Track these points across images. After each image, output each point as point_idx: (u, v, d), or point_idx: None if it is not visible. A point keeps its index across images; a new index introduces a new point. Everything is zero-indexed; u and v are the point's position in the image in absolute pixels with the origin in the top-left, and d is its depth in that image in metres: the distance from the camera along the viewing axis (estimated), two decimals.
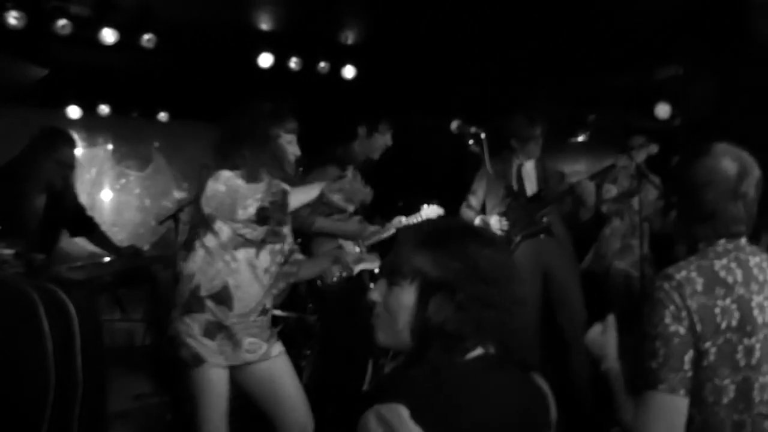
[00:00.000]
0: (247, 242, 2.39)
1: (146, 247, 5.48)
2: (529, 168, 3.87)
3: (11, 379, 1.97)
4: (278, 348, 2.56)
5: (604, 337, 1.71)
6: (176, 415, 3.74)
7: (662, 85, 4.76)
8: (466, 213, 3.85)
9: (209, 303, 2.36)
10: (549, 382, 1.34)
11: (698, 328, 1.50)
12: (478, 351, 1.24)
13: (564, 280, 3.83)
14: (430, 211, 3.61)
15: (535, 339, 3.72)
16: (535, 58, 4.69)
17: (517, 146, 3.84)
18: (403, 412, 1.11)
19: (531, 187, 3.84)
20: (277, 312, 3.73)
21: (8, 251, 2.49)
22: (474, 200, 3.87)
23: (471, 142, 3.34)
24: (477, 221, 3.63)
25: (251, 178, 2.34)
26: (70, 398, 2.00)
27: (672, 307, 1.51)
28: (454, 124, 3.37)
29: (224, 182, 2.31)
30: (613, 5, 3.89)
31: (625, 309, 4.18)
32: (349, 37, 4.97)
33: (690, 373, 1.50)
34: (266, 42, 4.87)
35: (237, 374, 2.47)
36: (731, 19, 3.80)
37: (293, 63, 5.03)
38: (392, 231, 3.62)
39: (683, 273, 1.54)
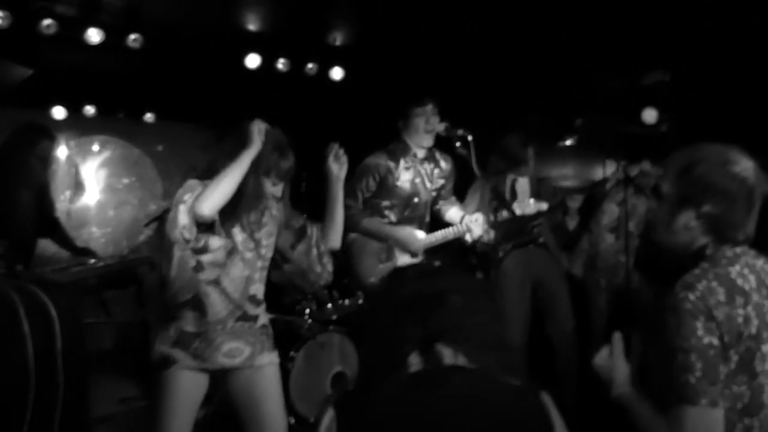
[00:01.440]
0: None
1: (126, 251, 5.42)
2: (523, 183, 3.88)
3: None
4: (267, 358, 2.48)
5: (611, 360, 1.67)
6: None
7: (649, 90, 4.78)
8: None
9: (185, 310, 2.33)
10: (536, 390, 1.33)
11: (726, 339, 1.47)
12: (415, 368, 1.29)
13: (552, 289, 3.87)
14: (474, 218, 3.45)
15: (522, 348, 3.74)
16: (523, 62, 4.70)
17: (510, 166, 3.87)
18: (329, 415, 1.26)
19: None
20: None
21: None
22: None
23: (458, 144, 3.32)
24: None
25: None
26: (50, 401, 1.97)
27: (703, 318, 1.47)
28: (441, 127, 3.35)
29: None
30: (602, 10, 3.90)
31: (613, 319, 4.21)
32: (338, 39, 4.96)
33: (724, 383, 1.48)
34: (254, 43, 4.85)
35: (222, 379, 2.43)
36: (718, 23, 3.82)
37: (281, 64, 5.01)
38: (450, 237, 3.45)
39: (704, 283, 1.51)
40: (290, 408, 3.66)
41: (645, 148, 4.49)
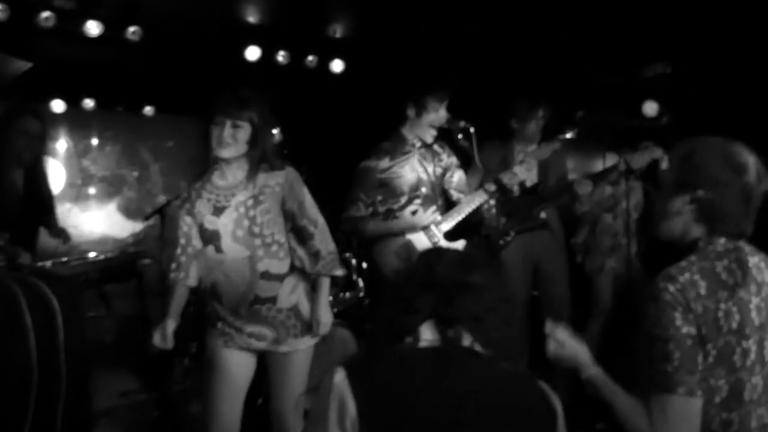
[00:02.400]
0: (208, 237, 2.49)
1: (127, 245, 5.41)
2: (531, 153, 3.78)
3: None
4: (289, 345, 2.55)
5: (568, 347, 1.70)
6: (163, 412, 3.70)
7: (650, 82, 4.77)
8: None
9: (208, 298, 2.53)
10: (538, 379, 1.39)
11: (703, 331, 1.49)
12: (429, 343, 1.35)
13: (552, 274, 3.85)
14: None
15: (522, 332, 3.72)
16: (524, 54, 4.69)
17: (516, 127, 3.81)
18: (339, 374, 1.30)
19: (531, 179, 3.78)
20: None
21: None
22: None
23: (460, 136, 3.29)
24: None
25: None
26: (53, 394, 1.97)
27: (681, 309, 1.50)
28: (443, 119, 3.31)
29: None
30: (602, 2, 3.89)
31: (616, 307, 4.20)
32: (338, 31, 4.94)
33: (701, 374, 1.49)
34: (253, 35, 4.83)
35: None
36: (719, 15, 3.81)
37: (281, 57, 4.98)
38: (463, 215, 3.32)
39: (686, 275, 1.53)
40: None
41: (645, 141, 4.49)
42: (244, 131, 2.46)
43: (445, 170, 3.41)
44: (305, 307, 2.60)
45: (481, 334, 1.35)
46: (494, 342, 1.36)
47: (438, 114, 3.24)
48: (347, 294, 4.09)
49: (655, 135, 4.55)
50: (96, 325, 4.44)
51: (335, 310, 4.05)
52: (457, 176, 3.42)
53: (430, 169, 3.35)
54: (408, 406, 1.26)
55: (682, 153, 1.65)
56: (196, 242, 2.50)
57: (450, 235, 3.30)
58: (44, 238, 3.77)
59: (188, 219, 2.51)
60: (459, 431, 1.25)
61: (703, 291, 1.51)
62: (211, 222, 2.48)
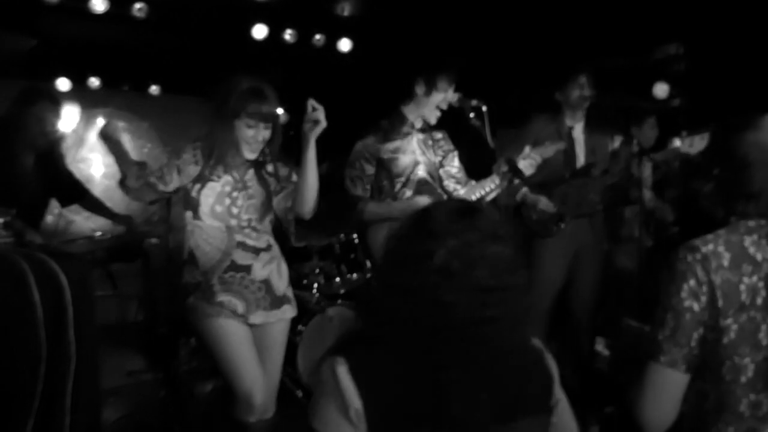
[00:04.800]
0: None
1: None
2: (578, 133, 3.72)
3: (1, 351, 1.91)
4: (273, 316, 2.58)
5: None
6: (169, 392, 3.70)
7: (661, 64, 4.71)
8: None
9: (187, 266, 2.53)
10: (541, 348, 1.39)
11: (720, 303, 1.47)
12: None
13: (587, 263, 3.71)
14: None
15: (545, 316, 3.69)
16: (534, 32, 4.63)
17: (562, 99, 3.70)
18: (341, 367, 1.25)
19: (581, 154, 3.70)
20: None
21: None
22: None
23: (472, 115, 3.21)
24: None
25: (203, 153, 2.47)
26: (62, 371, 1.96)
27: (692, 281, 1.48)
28: (455, 97, 3.24)
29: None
30: None
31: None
32: (346, 9, 4.88)
33: (696, 351, 1.48)
34: (261, 13, 4.78)
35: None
36: None
37: (288, 35, 4.95)
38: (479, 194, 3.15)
39: (710, 246, 1.50)
40: (298, 381, 3.65)
41: (657, 123, 4.44)
42: (270, 131, 2.52)
43: (444, 158, 3.30)
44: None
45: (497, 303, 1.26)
46: (508, 303, 1.27)
47: (446, 94, 3.13)
48: (354, 275, 4.07)
49: (666, 117, 4.50)
50: (102, 304, 4.42)
51: (342, 291, 4.06)
52: (457, 166, 3.31)
53: (429, 154, 3.24)
54: (410, 390, 1.24)
55: (712, 131, 1.64)
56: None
57: None
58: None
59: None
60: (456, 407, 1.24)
61: (726, 263, 1.48)
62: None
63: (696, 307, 1.47)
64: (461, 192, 3.23)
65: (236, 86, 2.43)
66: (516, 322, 1.28)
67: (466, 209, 1.30)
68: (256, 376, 2.46)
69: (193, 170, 2.48)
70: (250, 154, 2.51)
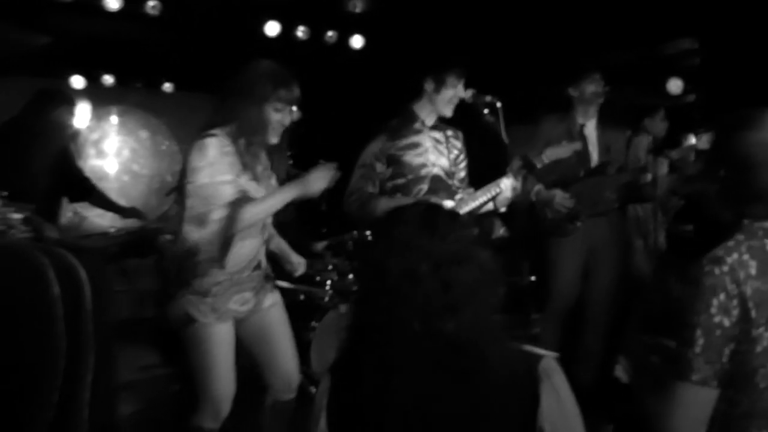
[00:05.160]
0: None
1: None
2: (590, 131, 3.69)
3: (21, 345, 1.93)
4: (271, 299, 2.57)
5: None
6: (183, 387, 3.71)
7: (675, 59, 4.68)
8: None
9: (204, 265, 2.38)
10: (537, 358, 1.30)
11: (753, 314, 1.41)
12: None
13: (605, 262, 3.67)
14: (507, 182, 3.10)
15: (562, 316, 3.65)
16: (547, 28, 4.61)
17: (575, 94, 3.67)
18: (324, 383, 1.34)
19: (594, 152, 3.67)
20: (284, 284, 3.67)
21: (17, 216, 2.45)
22: None
23: (486, 111, 3.18)
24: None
25: (232, 135, 2.38)
26: (81, 365, 1.97)
27: (722, 296, 1.42)
28: (468, 93, 3.21)
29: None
30: None
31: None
32: (358, 6, 4.88)
33: (727, 366, 1.43)
34: (273, 10, 4.80)
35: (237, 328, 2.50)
36: None
37: (300, 32, 4.96)
38: (479, 202, 3.10)
39: (735, 256, 1.45)
40: (311, 377, 3.66)
41: (671, 119, 4.41)
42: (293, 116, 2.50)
43: (457, 157, 3.27)
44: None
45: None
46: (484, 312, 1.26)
47: (456, 90, 3.10)
48: None
49: (680, 113, 4.48)
50: (116, 299, 4.46)
51: (355, 288, 4.06)
52: (463, 171, 3.28)
53: (442, 150, 3.20)
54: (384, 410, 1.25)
55: (718, 132, 1.60)
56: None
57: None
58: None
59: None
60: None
61: (753, 271, 1.43)
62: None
63: (727, 322, 1.41)
64: (455, 199, 3.15)
65: (261, 71, 2.40)
66: (473, 343, 1.22)
67: (434, 220, 1.28)
68: (231, 385, 2.46)
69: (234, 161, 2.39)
70: (275, 138, 2.46)
